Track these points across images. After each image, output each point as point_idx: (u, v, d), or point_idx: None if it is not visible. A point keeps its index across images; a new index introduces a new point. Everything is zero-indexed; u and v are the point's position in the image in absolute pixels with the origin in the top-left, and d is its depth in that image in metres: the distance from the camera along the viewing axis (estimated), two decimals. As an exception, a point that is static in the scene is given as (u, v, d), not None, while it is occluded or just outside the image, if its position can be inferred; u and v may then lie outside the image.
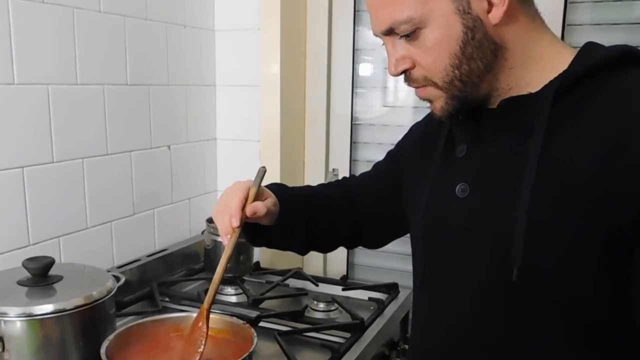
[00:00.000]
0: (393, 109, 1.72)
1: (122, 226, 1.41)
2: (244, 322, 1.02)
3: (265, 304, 1.33)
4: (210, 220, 1.52)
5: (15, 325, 0.90)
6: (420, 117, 0.99)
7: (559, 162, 0.68)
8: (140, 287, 1.37)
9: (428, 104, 0.79)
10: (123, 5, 1.35)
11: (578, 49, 0.74)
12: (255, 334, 0.96)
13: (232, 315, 1.08)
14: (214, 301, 0.91)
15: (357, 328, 1.20)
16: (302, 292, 1.43)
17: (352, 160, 1.78)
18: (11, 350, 0.91)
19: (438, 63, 0.73)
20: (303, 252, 1.08)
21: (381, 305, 1.33)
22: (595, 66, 0.69)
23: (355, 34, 1.70)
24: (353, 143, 1.77)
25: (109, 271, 1.14)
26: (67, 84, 1.22)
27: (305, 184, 1.75)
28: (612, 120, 0.66)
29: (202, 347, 0.89)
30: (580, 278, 0.67)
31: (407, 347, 1.14)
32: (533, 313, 0.71)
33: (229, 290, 1.42)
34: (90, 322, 0.96)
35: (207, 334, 0.90)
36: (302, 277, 1.51)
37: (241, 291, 1.40)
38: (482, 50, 0.71)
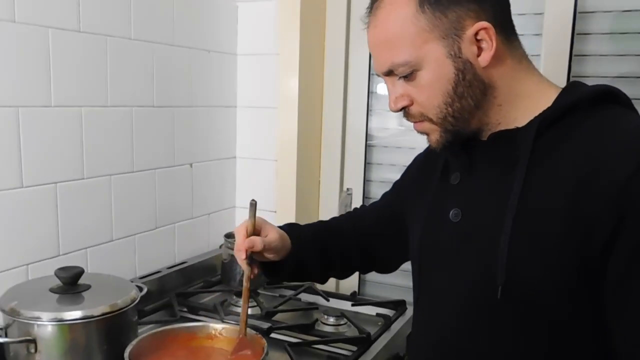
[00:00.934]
0: (407, 130, 1.77)
1: (144, 239, 1.49)
2: (256, 332, 1.08)
3: (277, 317, 1.39)
4: (228, 235, 1.60)
5: (47, 329, 0.98)
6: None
7: (538, 194, 0.74)
8: (160, 298, 1.44)
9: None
10: (151, 33, 1.44)
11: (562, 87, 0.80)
12: (266, 344, 1.02)
13: (245, 325, 1.14)
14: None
15: (363, 342, 1.26)
16: (313, 307, 1.48)
17: (366, 181, 1.84)
18: (42, 352, 0.99)
19: (432, 101, 0.79)
20: (321, 281, 1.16)
21: (388, 321, 1.39)
22: (575, 104, 0.76)
23: (371, 57, 1.77)
24: (367, 164, 1.83)
25: (131, 281, 1.22)
26: (98, 106, 1.32)
27: (321, 201, 1.84)
28: (585, 159, 0.71)
29: None
30: (557, 301, 0.72)
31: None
32: (516, 330, 0.76)
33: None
34: (114, 328, 1.04)
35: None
36: (313, 292, 1.56)
37: (255, 304, 1.46)
38: (472, 90, 0.78)
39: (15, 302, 1.01)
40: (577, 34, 1.46)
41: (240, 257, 0.94)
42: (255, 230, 0.95)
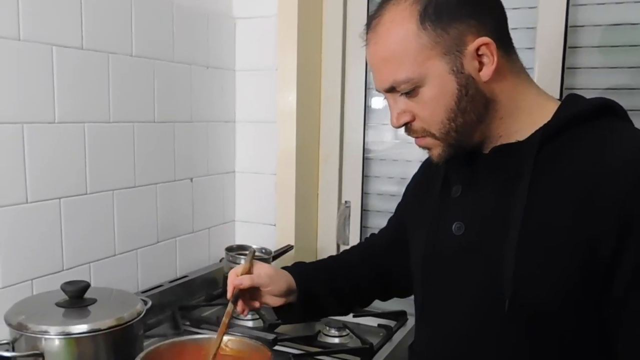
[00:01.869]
0: (403, 143, 1.80)
1: (146, 253, 1.50)
2: (262, 343, 1.09)
3: (280, 329, 1.40)
4: (228, 249, 1.61)
5: (54, 343, 0.99)
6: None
7: (542, 208, 0.75)
8: (162, 311, 1.45)
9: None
10: (152, 49, 1.46)
11: (561, 100, 0.82)
12: (272, 355, 1.03)
13: (250, 337, 1.15)
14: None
15: (366, 352, 1.27)
16: (315, 318, 1.49)
17: (364, 193, 1.85)
18: (50, 366, 0.99)
19: (435, 116, 0.80)
20: (340, 314, 1.19)
21: (389, 332, 1.40)
22: (575, 118, 0.77)
23: (368, 72, 1.79)
24: (365, 177, 1.85)
25: (136, 295, 1.23)
26: (101, 122, 1.33)
27: (320, 214, 1.85)
28: (587, 172, 0.73)
29: None
30: (563, 313, 0.73)
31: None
32: (522, 342, 0.77)
33: (247, 315, 1.49)
34: (121, 341, 1.05)
35: None
36: (314, 304, 1.57)
37: (257, 317, 1.47)
38: (474, 104, 0.79)
39: (23, 317, 1.01)
40: (569, 47, 1.49)
41: (227, 295, 0.98)
42: (249, 272, 0.99)
